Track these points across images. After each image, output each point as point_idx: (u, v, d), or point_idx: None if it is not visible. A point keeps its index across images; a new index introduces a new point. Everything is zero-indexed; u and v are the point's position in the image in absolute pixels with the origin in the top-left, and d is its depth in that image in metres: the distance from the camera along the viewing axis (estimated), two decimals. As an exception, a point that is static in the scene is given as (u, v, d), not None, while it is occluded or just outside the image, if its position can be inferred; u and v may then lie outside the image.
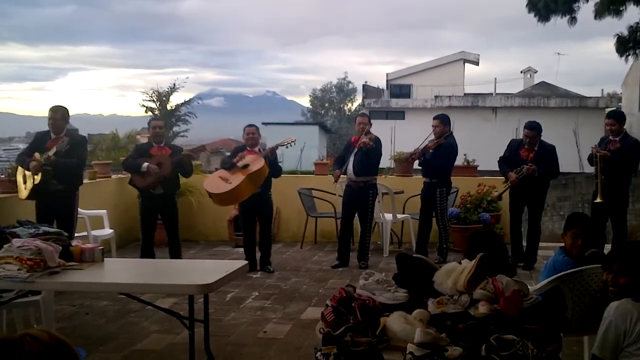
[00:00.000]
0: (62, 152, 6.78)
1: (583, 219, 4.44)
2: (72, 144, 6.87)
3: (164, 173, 7.46)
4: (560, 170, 8.12)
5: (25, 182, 6.96)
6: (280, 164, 8.20)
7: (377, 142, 8.02)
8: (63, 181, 6.96)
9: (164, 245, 7.94)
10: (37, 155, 6.85)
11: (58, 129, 7.05)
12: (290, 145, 8.01)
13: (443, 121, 8.30)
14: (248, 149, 7.89)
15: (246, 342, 5.39)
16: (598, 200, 7.43)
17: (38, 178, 6.81)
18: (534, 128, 7.89)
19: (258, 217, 8.07)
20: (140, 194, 7.72)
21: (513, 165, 7.90)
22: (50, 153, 6.77)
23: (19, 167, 7.09)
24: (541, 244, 8.19)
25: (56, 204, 6.92)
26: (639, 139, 7.71)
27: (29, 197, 6.94)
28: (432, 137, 8.30)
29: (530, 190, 7.87)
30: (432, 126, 8.32)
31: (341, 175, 8.19)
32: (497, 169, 8.26)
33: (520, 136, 8.29)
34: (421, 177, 8.62)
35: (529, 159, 7.81)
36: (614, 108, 24.81)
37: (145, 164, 7.46)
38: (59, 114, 7.08)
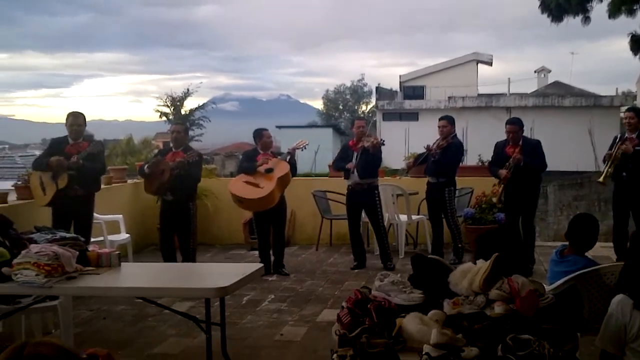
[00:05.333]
0: (89, 157, 6.87)
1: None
2: (97, 150, 6.98)
3: (163, 180, 7.26)
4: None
5: (44, 189, 6.92)
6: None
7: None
8: (84, 186, 6.98)
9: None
10: (55, 159, 6.81)
11: (78, 135, 7.11)
12: (304, 149, 8.15)
13: (450, 121, 8.46)
14: (261, 152, 7.97)
15: (263, 345, 5.41)
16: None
17: (64, 183, 6.80)
18: (514, 123, 7.93)
19: (272, 220, 8.07)
20: (157, 199, 7.62)
21: (502, 165, 7.88)
22: (79, 157, 6.80)
23: (35, 172, 7.04)
24: (553, 243, 8.09)
25: (75, 209, 6.93)
26: None
27: (50, 204, 6.93)
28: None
29: (521, 188, 7.81)
30: (440, 127, 8.43)
31: (344, 179, 8.34)
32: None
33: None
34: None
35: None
36: (629, 106, 24.68)
37: (147, 165, 7.47)
38: (80, 119, 7.17)
